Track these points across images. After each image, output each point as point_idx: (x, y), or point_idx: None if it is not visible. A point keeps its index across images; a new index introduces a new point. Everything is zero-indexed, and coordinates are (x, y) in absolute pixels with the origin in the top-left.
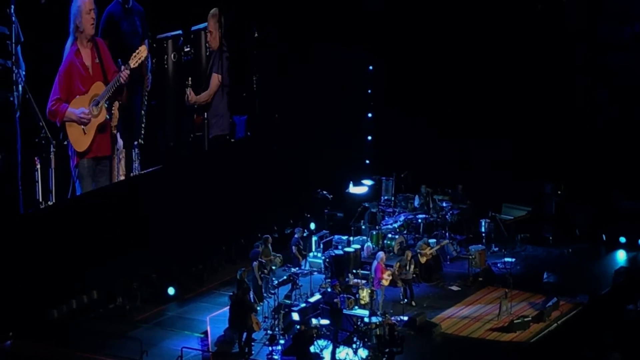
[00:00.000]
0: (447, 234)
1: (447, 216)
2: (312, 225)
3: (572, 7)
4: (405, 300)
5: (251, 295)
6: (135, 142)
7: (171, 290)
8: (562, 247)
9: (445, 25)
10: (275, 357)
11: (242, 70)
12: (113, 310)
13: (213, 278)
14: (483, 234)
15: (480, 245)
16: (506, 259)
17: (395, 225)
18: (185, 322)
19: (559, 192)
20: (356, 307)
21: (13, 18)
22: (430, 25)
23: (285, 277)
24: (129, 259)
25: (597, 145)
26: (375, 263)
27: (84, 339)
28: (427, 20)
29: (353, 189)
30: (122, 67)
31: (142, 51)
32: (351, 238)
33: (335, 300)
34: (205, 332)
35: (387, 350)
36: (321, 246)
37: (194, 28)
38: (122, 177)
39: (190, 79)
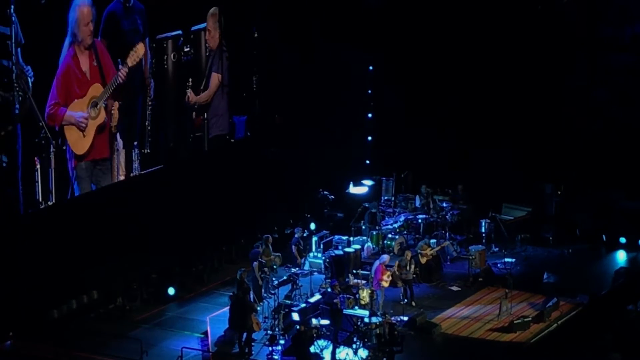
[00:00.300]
0: (447, 234)
1: (447, 216)
2: (313, 226)
3: (572, 8)
4: (406, 300)
5: (251, 296)
6: (135, 143)
7: (171, 291)
8: (562, 248)
9: (445, 25)
10: (275, 357)
11: (242, 71)
12: (113, 311)
13: (213, 278)
14: (483, 234)
15: (480, 246)
16: (506, 259)
17: (396, 225)
18: (186, 323)
19: (559, 193)
20: (356, 307)
21: (13, 18)
22: (430, 25)
23: (285, 278)
24: (129, 259)
25: (597, 145)
26: (377, 264)
27: (84, 339)
28: (428, 20)
29: (353, 189)
30: (120, 66)
31: (140, 49)
32: (351, 238)
33: (335, 300)
34: (205, 333)
35: (387, 349)
36: (321, 246)
37: (193, 28)
38: (122, 178)
39: (190, 80)
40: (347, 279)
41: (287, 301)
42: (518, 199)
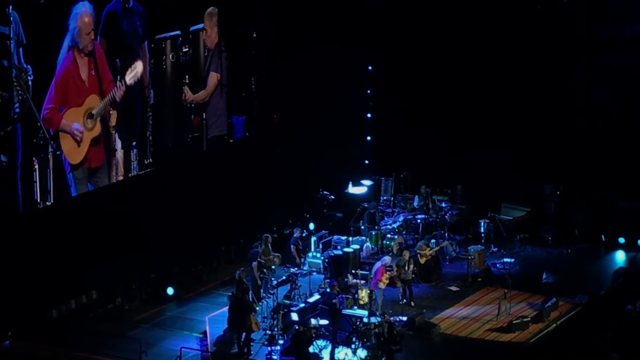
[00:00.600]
0: (446, 234)
1: (446, 216)
2: (312, 226)
3: (572, 8)
4: (405, 300)
5: (250, 296)
6: (134, 143)
7: (170, 291)
8: (561, 248)
9: (445, 25)
10: (274, 357)
11: (240, 71)
12: (112, 311)
13: (212, 278)
14: (482, 235)
15: (479, 246)
16: (505, 260)
17: (395, 225)
18: (185, 322)
19: (559, 193)
20: (355, 307)
21: (12, 18)
22: (430, 24)
23: (284, 278)
24: (128, 259)
25: (596, 146)
26: (378, 264)
27: (83, 339)
28: (427, 20)
29: (352, 189)
30: (118, 83)
31: (138, 66)
32: (350, 238)
33: (334, 300)
34: (205, 332)
35: (386, 348)
36: (320, 246)
37: (192, 28)
38: (121, 178)
39: (187, 77)
40: (346, 279)
41: (286, 301)
42: (517, 199)
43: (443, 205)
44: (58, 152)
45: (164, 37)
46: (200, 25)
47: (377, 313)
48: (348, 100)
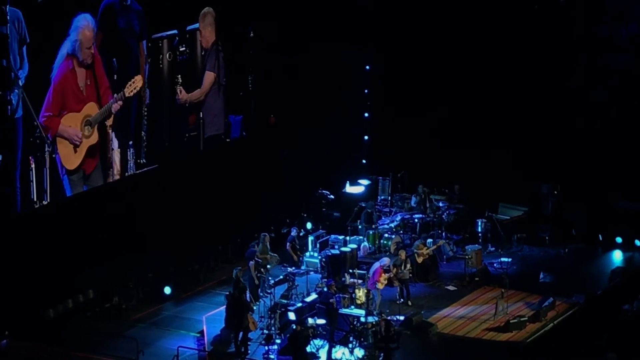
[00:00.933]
0: (443, 233)
1: (443, 216)
2: (309, 225)
3: (569, 7)
4: (402, 300)
5: (247, 295)
6: (130, 142)
7: (167, 290)
8: (558, 247)
9: (443, 25)
10: (272, 356)
11: (237, 70)
12: (109, 310)
13: (209, 277)
14: (479, 234)
15: (476, 245)
16: (502, 259)
17: (392, 225)
18: (182, 322)
19: (556, 192)
20: (352, 306)
21: (11, 16)
22: (428, 24)
23: (281, 277)
24: (125, 259)
25: (593, 145)
26: (376, 265)
27: (80, 338)
28: (425, 20)
29: (350, 189)
30: (116, 96)
31: (138, 81)
32: (348, 238)
33: (331, 300)
34: (202, 332)
35: (383, 345)
36: (318, 246)
37: (189, 28)
38: (117, 177)
39: (179, 76)
40: (343, 279)
41: (283, 300)
42: (514, 198)
43: (440, 204)
44: (54, 156)
45: (161, 37)
46: (197, 25)
47: (375, 313)
48: (345, 99)
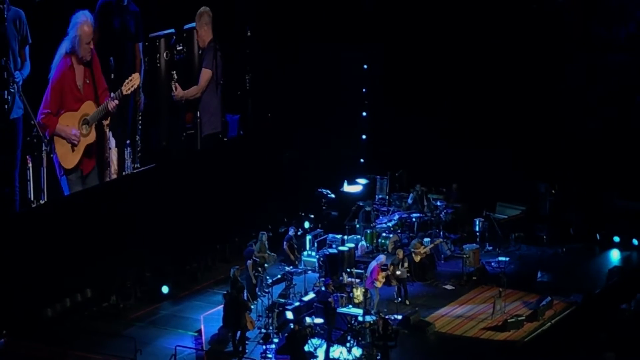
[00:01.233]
0: (441, 233)
1: (441, 215)
2: (307, 224)
3: (567, 7)
4: (400, 299)
5: (245, 294)
6: (128, 142)
7: (165, 289)
8: (556, 247)
9: (441, 24)
10: (269, 355)
11: (235, 69)
12: (107, 309)
13: (207, 277)
14: (477, 233)
15: (474, 245)
16: (500, 258)
17: (390, 224)
18: (179, 321)
19: (553, 192)
20: (350, 305)
21: (6, 14)
22: (426, 24)
23: (279, 276)
24: (123, 258)
25: (591, 145)
26: (373, 264)
27: (78, 337)
28: (423, 19)
29: (347, 188)
30: (113, 95)
31: (135, 79)
32: (345, 237)
33: (329, 299)
34: (199, 331)
35: (381, 343)
36: (315, 245)
37: (186, 27)
38: (115, 177)
39: (175, 72)
40: (340, 278)
41: (281, 300)
42: (512, 197)
43: (438, 203)
44: (52, 155)
45: (158, 36)
46: (194, 24)
47: (372, 312)
48: (343, 98)
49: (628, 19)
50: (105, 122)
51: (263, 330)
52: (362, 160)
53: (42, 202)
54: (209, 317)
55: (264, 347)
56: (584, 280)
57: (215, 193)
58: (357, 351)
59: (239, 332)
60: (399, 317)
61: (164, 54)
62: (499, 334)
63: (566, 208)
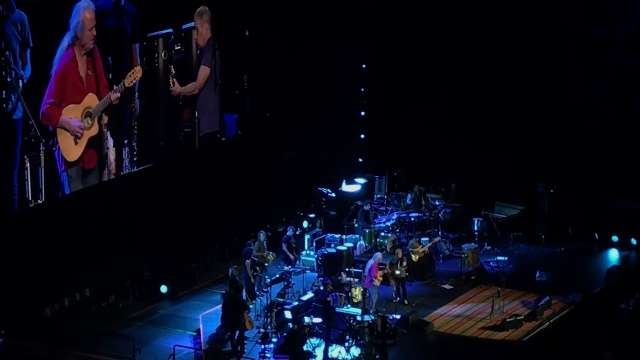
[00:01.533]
0: (439, 232)
1: (439, 214)
2: (305, 224)
3: (566, 6)
4: (398, 298)
5: (244, 294)
6: (125, 141)
7: (164, 289)
8: (554, 246)
9: (440, 24)
10: (268, 355)
11: (233, 69)
12: (106, 308)
13: (206, 276)
14: (476, 233)
15: (473, 244)
16: (499, 258)
17: (388, 223)
18: (178, 320)
19: (552, 191)
20: (348, 305)
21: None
22: (424, 23)
23: (277, 276)
24: (122, 257)
25: (590, 144)
26: (371, 262)
27: (77, 337)
28: (422, 19)
29: (346, 187)
30: (115, 87)
31: (137, 71)
32: (344, 236)
33: (327, 298)
34: (198, 330)
35: (380, 341)
36: (314, 244)
37: (184, 26)
38: (113, 176)
39: (172, 66)
40: (339, 277)
41: (279, 299)
42: (511, 197)
43: (437, 203)
44: (54, 149)
45: (156, 35)
46: (192, 24)
47: (371, 311)
48: (342, 98)
49: (627, 19)
50: (103, 122)
51: (262, 330)
52: (360, 159)
53: (39, 202)
54: (207, 316)
55: (263, 346)
56: (583, 280)
57: (213, 192)
58: (355, 351)
59: (237, 332)
60: (398, 316)
61: (162, 54)
62: (498, 334)
63: (565, 207)
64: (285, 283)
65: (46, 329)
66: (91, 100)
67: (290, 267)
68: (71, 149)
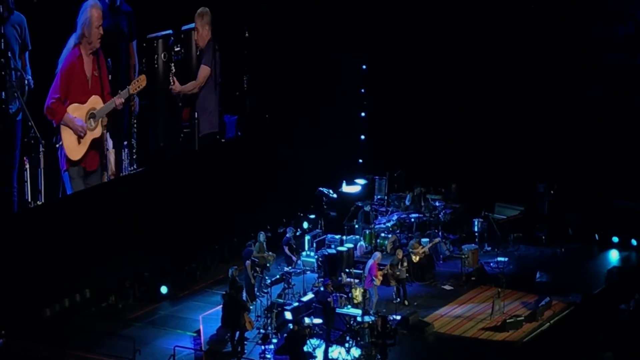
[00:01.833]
0: (440, 233)
1: (440, 215)
2: (305, 225)
3: (566, 6)
4: (398, 299)
5: (244, 294)
6: (125, 142)
7: (164, 289)
8: (554, 247)
9: (440, 25)
10: (268, 356)
11: (233, 70)
12: (106, 309)
13: (206, 277)
14: (476, 234)
15: (473, 245)
16: (499, 259)
17: (388, 224)
18: (178, 321)
19: (552, 192)
20: (349, 305)
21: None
22: (424, 24)
23: (277, 276)
24: (122, 258)
25: (590, 145)
26: (370, 262)
27: (77, 337)
28: (421, 19)
29: (346, 188)
30: (121, 92)
31: (142, 80)
32: (344, 237)
33: (328, 299)
34: (198, 331)
35: (380, 341)
36: (314, 245)
37: (184, 28)
38: (112, 178)
39: (172, 64)
40: (339, 278)
41: (279, 300)
42: (511, 198)
43: (437, 204)
44: (58, 146)
45: (156, 37)
46: (192, 25)
47: (371, 312)
48: (342, 99)
49: (627, 19)
50: (103, 123)
51: (262, 331)
52: (360, 160)
53: (39, 203)
54: (207, 317)
55: (263, 347)
56: (583, 281)
57: (213, 193)
58: (355, 351)
59: (237, 333)
60: (398, 317)
61: (162, 55)
62: (498, 334)
63: (565, 208)
64: (284, 285)
65: (46, 329)
66: (96, 102)
67: (290, 267)
68: (74, 148)
